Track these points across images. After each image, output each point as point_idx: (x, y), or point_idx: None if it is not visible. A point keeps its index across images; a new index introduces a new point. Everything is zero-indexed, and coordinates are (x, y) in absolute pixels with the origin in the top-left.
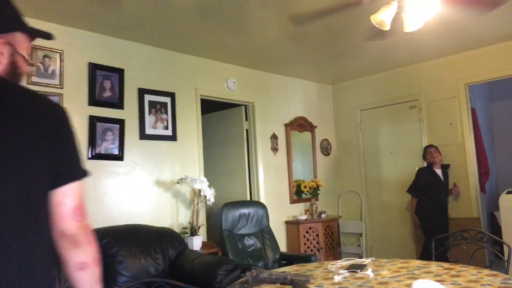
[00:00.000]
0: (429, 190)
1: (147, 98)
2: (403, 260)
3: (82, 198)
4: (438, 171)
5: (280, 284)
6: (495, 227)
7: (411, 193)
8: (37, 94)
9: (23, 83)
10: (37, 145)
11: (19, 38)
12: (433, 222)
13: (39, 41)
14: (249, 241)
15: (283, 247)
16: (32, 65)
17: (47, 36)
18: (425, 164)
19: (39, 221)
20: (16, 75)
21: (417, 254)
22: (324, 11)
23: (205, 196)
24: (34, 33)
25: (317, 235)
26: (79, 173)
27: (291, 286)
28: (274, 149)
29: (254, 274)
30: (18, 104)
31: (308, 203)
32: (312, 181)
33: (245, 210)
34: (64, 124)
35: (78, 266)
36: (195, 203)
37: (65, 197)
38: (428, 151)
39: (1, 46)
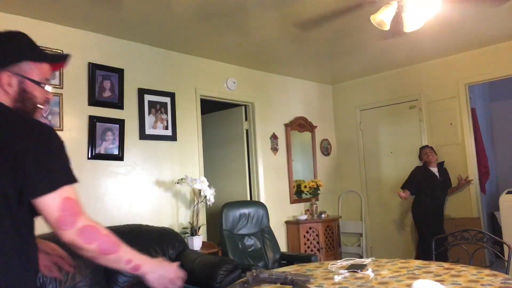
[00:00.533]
0: (425, 186)
1: (147, 98)
2: (403, 260)
3: (65, 205)
4: (434, 169)
5: (281, 284)
6: (495, 227)
7: (406, 189)
8: (11, 115)
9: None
10: (2, 163)
11: (27, 66)
12: (429, 220)
13: (38, 41)
14: (249, 241)
15: (283, 247)
16: (48, 81)
17: (58, 58)
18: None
19: (3, 227)
20: (26, 99)
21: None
22: (328, 14)
23: (205, 196)
24: (44, 59)
25: (317, 235)
26: (47, 186)
27: (292, 286)
28: (274, 149)
29: (254, 274)
30: None
31: (308, 203)
32: (312, 181)
33: (245, 210)
34: (33, 140)
35: (91, 259)
36: (195, 203)
37: (44, 211)
38: (424, 151)
39: (8, 79)
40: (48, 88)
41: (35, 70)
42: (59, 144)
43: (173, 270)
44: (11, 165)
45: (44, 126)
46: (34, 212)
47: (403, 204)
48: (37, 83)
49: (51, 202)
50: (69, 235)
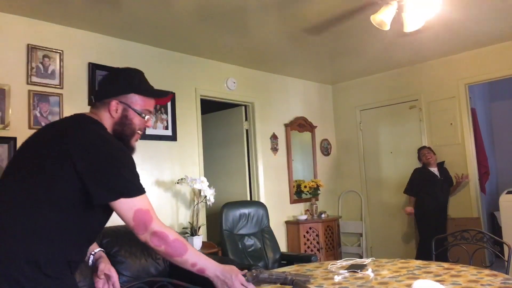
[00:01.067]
0: (425, 188)
1: None
2: (403, 260)
3: (137, 216)
4: (434, 170)
5: (281, 284)
6: (495, 227)
7: (407, 193)
8: (81, 128)
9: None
10: (61, 164)
11: (134, 98)
12: (430, 223)
13: (38, 41)
14: (249, 241)
15: (283, 247)
16: (150, 112)
17: (162, 94)
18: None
19: (33, 209)
20: (125, 124)
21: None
22: (330, 17)
23: (205, 196)
24: (149, 94)
25: (317, 235)
26: (111, 194)
27: (292, 286)
28: (274, 149)
29: (254, 274)
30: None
31: (308, 203)
32: (312, 181)
33: (245, 210)
34: (97, 152)
35: (165, 259)
36: (195, 203)
37: (121, 218)
38: (422, 152)
39: (115, 105)
40: (148, 118)
41: (139, 101)
42: (127, 160)
43: (235, 280)
44: (77, 174)
45: (114, 144)
46: (96, 216)
47: (403, 204)
48: (138, 113)
49: (125, 213)
50: (143, 238)
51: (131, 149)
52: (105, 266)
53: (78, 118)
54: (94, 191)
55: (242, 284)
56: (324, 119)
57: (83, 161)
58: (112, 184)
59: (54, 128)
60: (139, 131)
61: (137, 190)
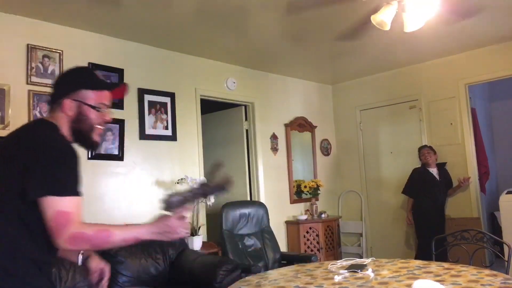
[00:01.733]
0: (424, 189)
1: (147, 98)
2: (403, 260)
3: (60, 212)
4: (433, 170)
5: (203, 197)
6: (495, 227)
7: (405, 193)
8: (30, 130)
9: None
10: (13, 165)
11: (86, 94)
12: (428, 224)
13: (38, 41)
14: (249, 241)
15: (283, 247)
16: (106, 105)
17: (114, 86)
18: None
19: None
20: (81, 120)
21: None
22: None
23: None
24: (100, 87)
25: (317, 235)
26: (39, 190)
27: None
28: (274, 149)
29: (167, 201)
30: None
31: (308, 203)
32: (312, 181)
33: (245, 210)
34: (37, 152)
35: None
36: (195, 203)
37: (43, 215)
38: (422, 152)
39: (69, 104)
40: (105, 111)
41: (92, 96)
42: (66, 160)
43: (172, 223)
44: (21, 171)
45: (56, 141)
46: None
47: (403, 204)
48: (92, 107)
49: (47, 212)
50: (61, 243)
51: (94, 144)
52: (97, 265)
53: (34, 122)
54: (26, 188)
55: (179, 219)
56: (324, 119)
57: (26, 161)
58: (42, 181)
59: (15, 134)
60: (98, 125)
61: (65, 190)
